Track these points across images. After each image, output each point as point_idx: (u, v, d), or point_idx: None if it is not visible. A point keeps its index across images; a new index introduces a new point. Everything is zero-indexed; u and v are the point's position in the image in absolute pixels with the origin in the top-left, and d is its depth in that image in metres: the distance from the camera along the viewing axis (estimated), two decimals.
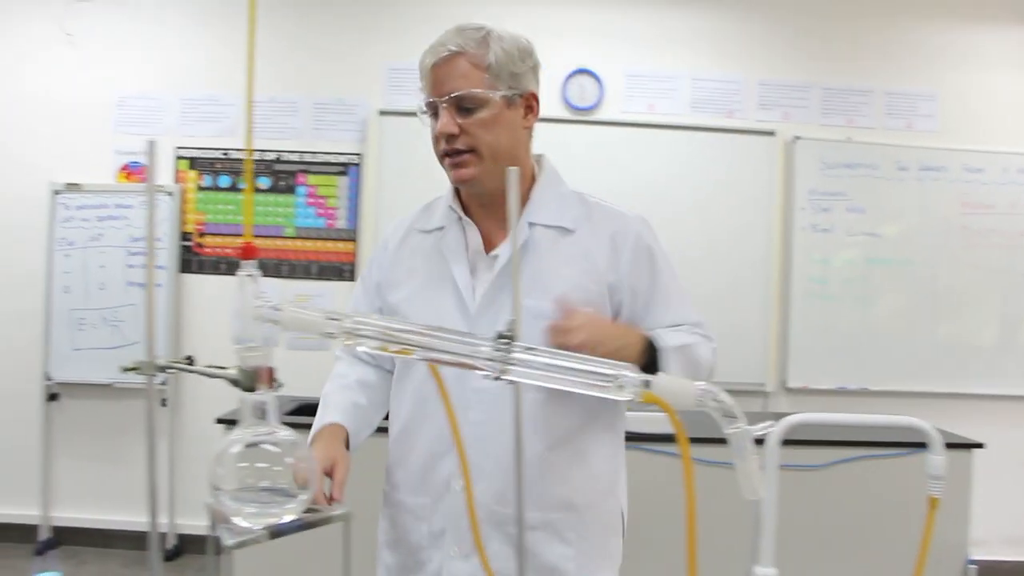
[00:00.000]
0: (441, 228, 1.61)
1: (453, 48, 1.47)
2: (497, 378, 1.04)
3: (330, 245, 4.49)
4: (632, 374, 1.02)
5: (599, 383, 1.03)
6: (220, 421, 3.26)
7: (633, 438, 3.06)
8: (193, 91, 4.52)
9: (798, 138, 4.50)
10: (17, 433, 4.52)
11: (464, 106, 1.46)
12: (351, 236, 4.48)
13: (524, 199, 1.59)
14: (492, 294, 1.53)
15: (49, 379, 4.48)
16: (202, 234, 4.53)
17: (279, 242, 4.48)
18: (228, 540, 0.95)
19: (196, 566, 4.26)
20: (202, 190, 4.52)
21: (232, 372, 1.01)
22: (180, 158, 4.53)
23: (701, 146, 4.50)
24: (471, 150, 1.48)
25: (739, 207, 4.50)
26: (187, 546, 4.43)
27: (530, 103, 1.56)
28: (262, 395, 1.02)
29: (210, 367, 1.03)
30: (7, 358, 4.56)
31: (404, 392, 1.61)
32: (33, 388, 4.49)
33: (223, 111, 4.52)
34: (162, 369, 1.04)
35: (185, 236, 4.52)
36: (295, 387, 3.44)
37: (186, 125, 4.52)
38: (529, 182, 1.61)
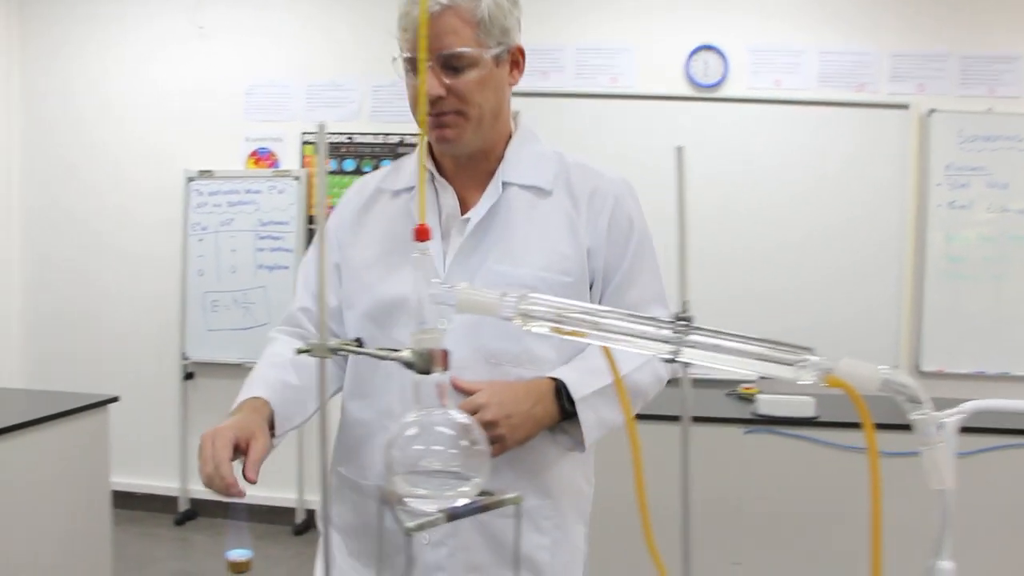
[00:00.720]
0: (411, 188, 1.46)
1: (444, 1, 1.30)
2: (671, 360, 1.01)
3: None
4: (815, 357, 0.98)
5: (779, 364, 0.99)
6: None
7: (764, 421, 3.02)
8: (318, 77, 4.61)
9: (934, 111, 4.30)
10: (158, 410, 4.73)
11: (452, 65, 1.32)
12: None
13: (499, 157, 1.46)
14: (461, 259, 1.40)
15: (186, 359, 4.67)
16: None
17: None
18: (407, 522, 0.95)
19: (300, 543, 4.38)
20: (328, 174, 4.62)
21: (406, 355, 1.01)
22: (306, 143, 4.63)
23: (829, 122, 4.36)
24: (457, 112, 1.35)
25: (870, 184, 4.33)
26: (314, 522, 4.56)
27: (516, 58, 1.42)
28: (438, 377, 1.01)
29: (382, 349, 1.03)
30: (149, 339, 4.78)
31: (362, 367, 1.47)
32: (171, 368, 4.69)
33: (347, 96, 4.60)
34: (335, 351, 1.05)
35: (311, 220, 4.62)
36: None
37: (312, 111, 4.62)
38: (505, 140, 1.48)
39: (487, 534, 1.39)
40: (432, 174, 1.45)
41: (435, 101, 1.32)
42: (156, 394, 4.72)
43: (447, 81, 1.32)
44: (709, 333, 1.00)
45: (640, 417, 1.17)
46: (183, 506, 4.74)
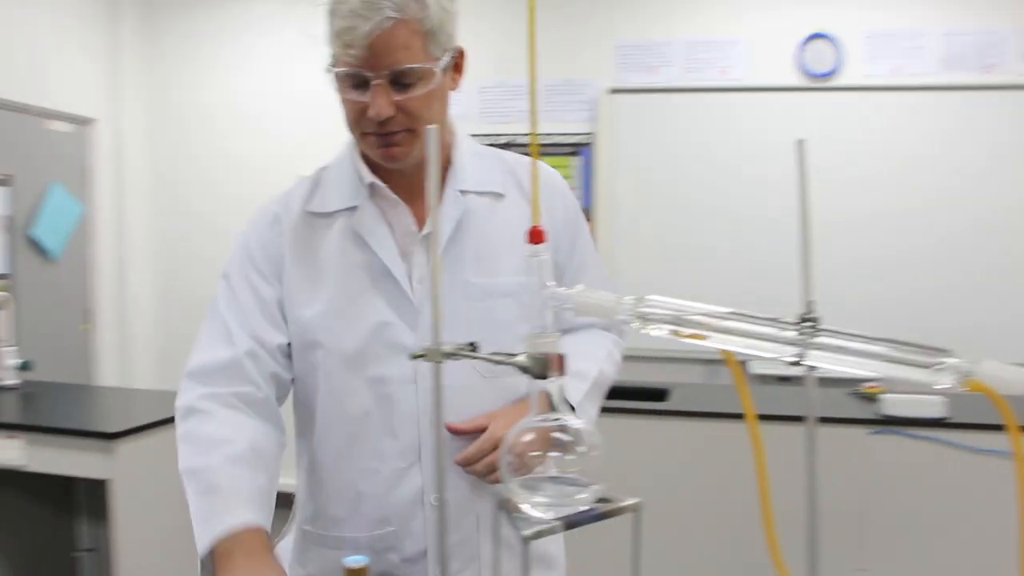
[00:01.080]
0: (352, 208, 1.33)
1: (392, 14, 1.17)
2: (795, 363, 0.97)
3: None
4: (953, 359, 0.92)
5: (915, 368, 0.94)
6: None
7: (890, 422, 2.90)
8: None
9: None
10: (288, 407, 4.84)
11: (402, 81, 1.20)
12: (585, 216, 4.46)
13: (446, 164, 1.36)
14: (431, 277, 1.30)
15: None
16: None
17: None
18: (525, 530, 0.94)
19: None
20: None
21: (521, 359, 1.00)
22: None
23: (955, 107, 4.15)
24: (407, 130, 1.24)
25: (1009, 172, 4.11)
26: None
27: (459, 62, 1.32)
28: (554, 382, 1.00)
29: (495, 354, 1.02)
30: None
31: (336, 412, 1.33)
32: None
33: (455, 98, 4.61)
34: (449, 356, 1.04)
35: None
36: None
37: None
38: (448, 146, 1.39)
39: (508, 546, 1.34)
40: (379, 188, 1.33)
41: (384, 121, 1.22)
42: None
43: (396, 98, 1.21)
44: (836, 335, 0.96)
45: (761, 417, 1.13)
46: None
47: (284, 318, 1.32)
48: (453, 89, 1.33)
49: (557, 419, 1.01)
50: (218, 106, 5.06)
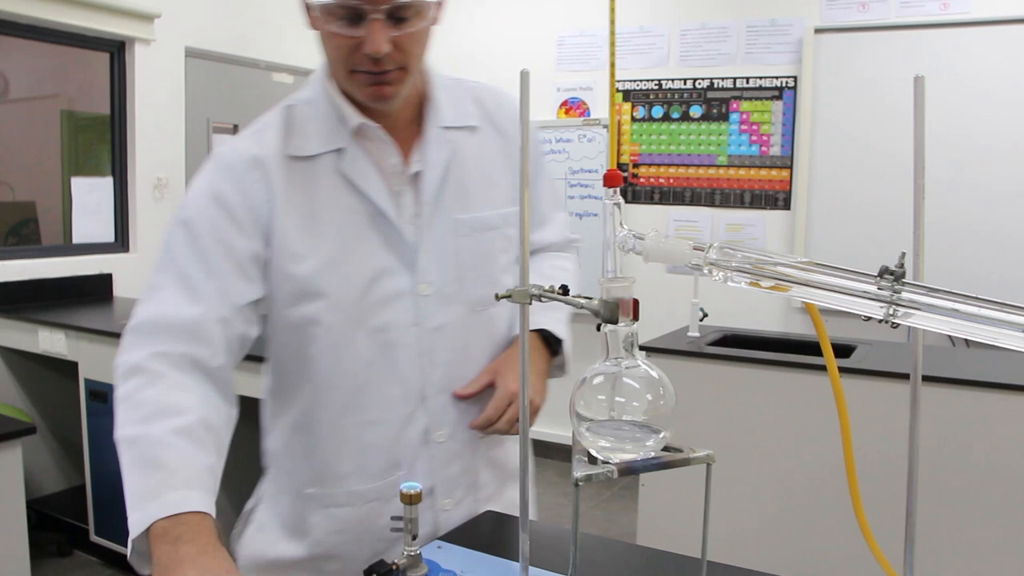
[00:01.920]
0: (338, 150, 1.24)
1: None
2: (885, 321, 0.90)
3: (763, 173, 4.34)
4: None
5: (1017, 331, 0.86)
6: (651, 350, 3.30)
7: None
8: (626, 24, 4.59)
9: None
10: None
11: (399, 16, 1.14)
12: (786, 163, 4.29)
13: (420, 100, 1.30)
14: (426, 215, 1.27)
15: None
16: (636, 165, 4.63)
17: (711, 171, 4.44)
18: (576, 472, 0.94)
19: (619, 486, 4.44)
20: (636, 121, 4.61)
21: (594, 304, 0.99)
22: (616, 91, 4.65)
23: None
24: (400, 68, 1.18)
25: None
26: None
27: None
28: (625, 327, 0.99)
29: (577, 296, 1.02)
30: None
31: (338, 366, 1.26)
32: None
33: (654, 42, 4.54)
34: (536, 297, 1.05)
35: (620, 167, 4.65)
36: (718, 318, 3.42)
37: (620, 59, 4.62)
38: (425, 80, 1.32)
39: (510, 479, 1.42)
40: (368, 129, 1.26)
41: (378, 59, 1.15)
42: None
43: (392, 34, 1.14)
44: (926, 291, 0.89)
45: (845, 371, 1.06)
46: None
47: (263, 272, 1.22)
48: (436, 24, 1.24)
49: (633, 366, 1.00)
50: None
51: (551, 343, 1.37)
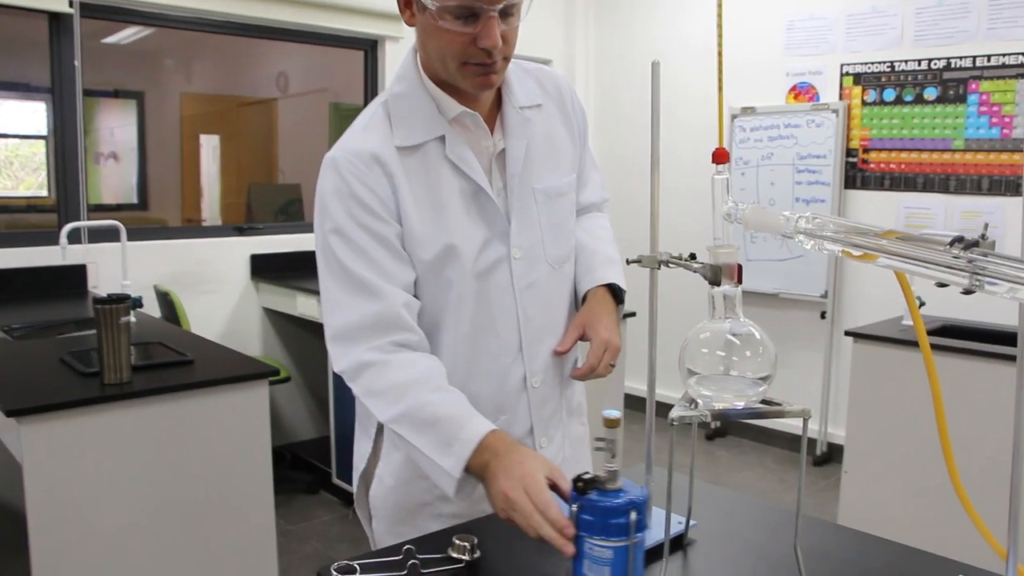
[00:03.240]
0: (440, 138, 1.38)
1: None
2: (969, 291, 0.97)
3: (1004, 157, 4.08)
4: None
5: None
6: (859, 336, 3.27)
7: None
8: (857, 6, 4.47)
9: None
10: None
11: (508, 12, 1.29)
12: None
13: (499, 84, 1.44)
14: (513, 190, 1.43)
15: None
16: (866, 150, 4.51)
17: (946, 156, 4.24)
18: (673, 413, 1.07)
19: (834, 476, 4.38)
20: (866, 105, 4.48)
21: (704, 267, 1.12)
22: (845, 75, 4.55)
23: None
24: (504, 58, 1.34)
25: None
26: (835, 455, 4.57)
27: None
28: (728, 288, 1.11)
29: (689, 260, 1.15)
30: None
31: (460, 329, 1.41)
32: None
33: (888, 23, 4.39)
34: (664, 263, 1.19)
35: (850, 152, 4.55)
36: (936, 308, 3.31)
37: (851, 41, 4.51)
38: None
39: (570, 404, 1.61)
40: (469, 116, 1.40)
41: (491, 52, 1.30)
42: None
43: (501, 29, 1.29)
44: (1004, 261, 0.94)
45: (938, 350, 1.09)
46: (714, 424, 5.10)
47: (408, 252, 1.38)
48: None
49: (735, 324, 1.12)
50: (640, 48, 5.33)
51: (615, 293, 1.55)
